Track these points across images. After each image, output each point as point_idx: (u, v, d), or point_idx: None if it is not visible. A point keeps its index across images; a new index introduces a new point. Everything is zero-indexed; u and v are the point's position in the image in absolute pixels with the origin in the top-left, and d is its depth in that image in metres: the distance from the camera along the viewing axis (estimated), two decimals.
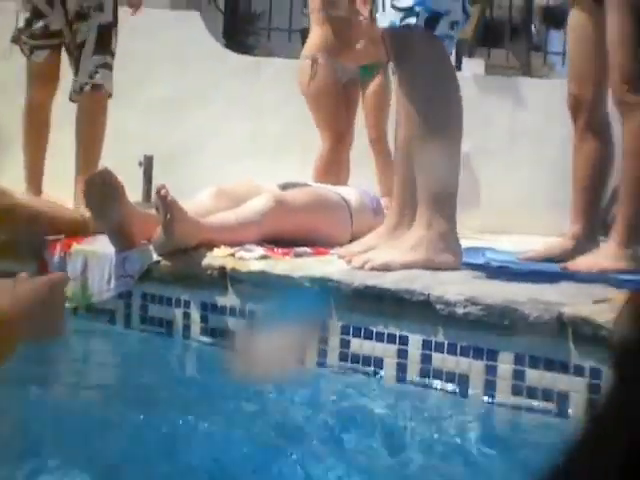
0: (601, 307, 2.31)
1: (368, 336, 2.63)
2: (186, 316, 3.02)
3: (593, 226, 3.21)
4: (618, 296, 2.39)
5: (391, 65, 3.90)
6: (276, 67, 5.12)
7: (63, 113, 4.07)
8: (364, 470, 1.97)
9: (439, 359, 2.52)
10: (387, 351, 2.60)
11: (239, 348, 2.72)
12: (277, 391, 2.44)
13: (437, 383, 2.53)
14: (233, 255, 2.99)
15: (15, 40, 4.08)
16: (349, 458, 2.03)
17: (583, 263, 2.91)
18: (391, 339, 2.59)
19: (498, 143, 4.89)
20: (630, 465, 0.55)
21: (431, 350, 2.53)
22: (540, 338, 2.36)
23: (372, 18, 3.16)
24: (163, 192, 2.99)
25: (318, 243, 3.25)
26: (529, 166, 4.82)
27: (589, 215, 3.18)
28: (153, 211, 3.12)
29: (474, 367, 2.47)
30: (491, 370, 2.44)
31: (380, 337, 2.61)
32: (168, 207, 2.99)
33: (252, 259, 2.95)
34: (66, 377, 2.83)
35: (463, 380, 2.48)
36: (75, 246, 3.32)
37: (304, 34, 5.16)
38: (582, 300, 2.41)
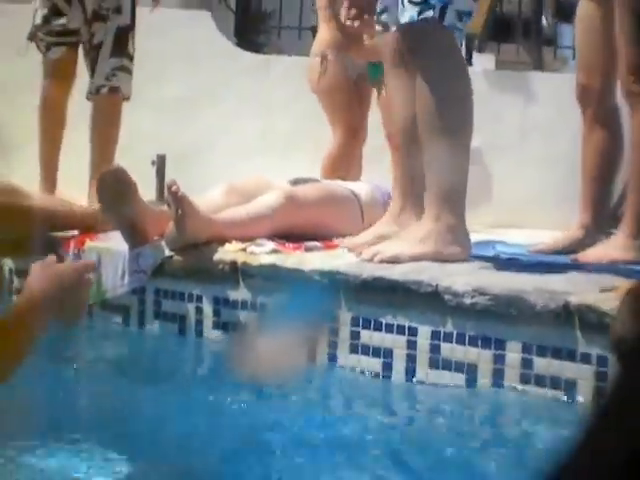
0: (607, 295, 2.33)
1: (378, 327, 2.66)
2: (199, 310, 3.05)
3: (602, 216, 3.21)
4: (625, 285, 2.40)
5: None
6: (286, 65, 5.13)
7: (79, 112, 4.09)
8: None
9: (448, 349, 2.55)
10: (396, 342, 2.63)
11: (250, 342, 2.75)
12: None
13: (446, 373, 2.55)
14: (244, 250, 3.02)
15: (31, 37, 4.05)
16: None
17: (593, 254, 2.92)
18: (400, 330, 2.62)
19: (509, 139, 4.89)
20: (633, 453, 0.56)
21: (440, 340, 2.56)
22: (547, 327, 2.38)
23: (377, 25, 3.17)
24: (174, 188, 3.02)
25: (329, 238, 3.27)
26: (540, 161, 4.82)
27: (598, 205, 3.19)
28: (165, 208, 3.15)
29: (482, 356, 2.49)
30: (499, 359, 2.47)
31: (389, 328, 2.64)
32: (179, 203, 3.02)
33: (263, 253, 2.98)
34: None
35: (472, 369, 2.51)
36: (89, 243, 3.36)
37: (314, 32, 5.18)
38: (589, 289, 2.43)
